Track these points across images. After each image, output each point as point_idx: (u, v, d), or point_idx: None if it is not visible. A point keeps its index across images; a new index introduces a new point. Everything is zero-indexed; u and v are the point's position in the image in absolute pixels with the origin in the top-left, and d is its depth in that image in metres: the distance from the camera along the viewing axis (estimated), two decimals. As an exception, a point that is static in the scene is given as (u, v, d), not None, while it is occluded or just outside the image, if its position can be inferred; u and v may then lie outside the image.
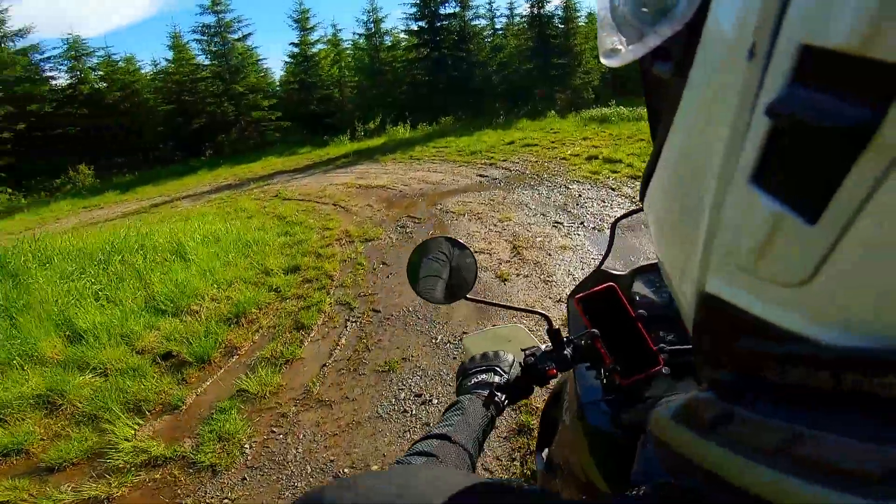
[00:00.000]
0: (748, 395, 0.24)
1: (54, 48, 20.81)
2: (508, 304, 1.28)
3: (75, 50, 19.27)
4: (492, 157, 9.43)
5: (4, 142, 16.96)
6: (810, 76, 0.17)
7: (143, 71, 20.82)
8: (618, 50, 0.28)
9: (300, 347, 3.71)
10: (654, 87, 0.31)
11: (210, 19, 18.68)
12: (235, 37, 19.21)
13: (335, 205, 7.70)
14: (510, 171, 8.21)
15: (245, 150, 18.09)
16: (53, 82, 19.20)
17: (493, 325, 2.99)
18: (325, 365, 3.43)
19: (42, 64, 18.92)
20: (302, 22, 19.44)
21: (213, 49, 19.06)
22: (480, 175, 8.20)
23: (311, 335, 3.89)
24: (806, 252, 0.18)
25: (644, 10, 0.25)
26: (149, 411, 3.14)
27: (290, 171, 12.51)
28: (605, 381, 0.76)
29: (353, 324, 3.95)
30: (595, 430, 0.77)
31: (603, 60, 0.30)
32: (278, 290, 4.72)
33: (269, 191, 9.79)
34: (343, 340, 3.73)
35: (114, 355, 3.77)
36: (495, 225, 5.59)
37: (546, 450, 1.18)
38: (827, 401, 0.20)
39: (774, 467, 0.20)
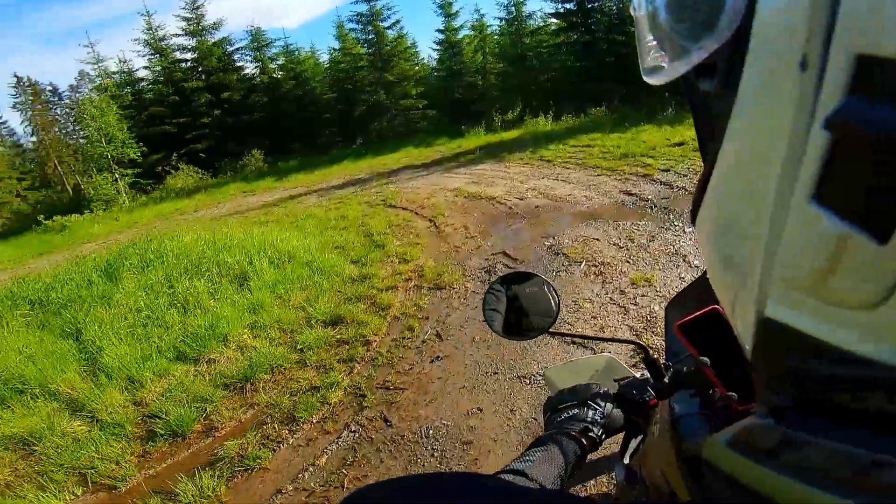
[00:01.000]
0: (813, 421, 0.23)
1: (241, 40, 23.89)
2: (597, 335, 1.20)
3: (257, 41, 21.68)
4: (648, 165, 6.90)
5: (205, 126, 20.00)
6: (869, 86, 0.16)
7: (320, 60, 22.58)
8: (661, 67, 0.28)
9: (272, 453, 2.73)
10: (701, 103, 0.30)
11: (363, 7, 19.07)
12: (386, 24, 19.34)
13: (431, 221, 6.40)
14: (672, 188, 5.73)
15: (390, 139, 18.24)
16: (243, 72, 21.91)
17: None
18: (281, 491, 2.46)
19: (234, 54, 21.69)
20: (446, 7, 18.78)
21: (367, 37, 19.48)
22: (626, 192, 5.94)
23: (296, 436, 2.84)
24: (877, 273, 0.17)
25: (685, 24, 0.25)
26: (92, 483, 2.77)
27: (417, 167, 11.76)
28: (714, 408, 0.67)
29: (351, 434, 2.75)
30: (687, 443, 0.67)
31: (645, 78, 0.30)
32: (303, 351, 3.63)
33: (383, 192, 9.00)
34: (323, 460, 2.60)
35: (110, 402, 3.41)
36: (623, 292, 3.56)
37: (627, 460, 1.07)
38: None
39: (851, 496, 0.19)
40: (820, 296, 0.20)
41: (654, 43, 0.27)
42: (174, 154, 19.10)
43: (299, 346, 3.68)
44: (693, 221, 0.32)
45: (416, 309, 3.95)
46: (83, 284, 5.39)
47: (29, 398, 3.59)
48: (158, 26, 20.41)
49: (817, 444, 0.22)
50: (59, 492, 2.73)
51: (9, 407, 3.52)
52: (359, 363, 3.37)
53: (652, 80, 0.29)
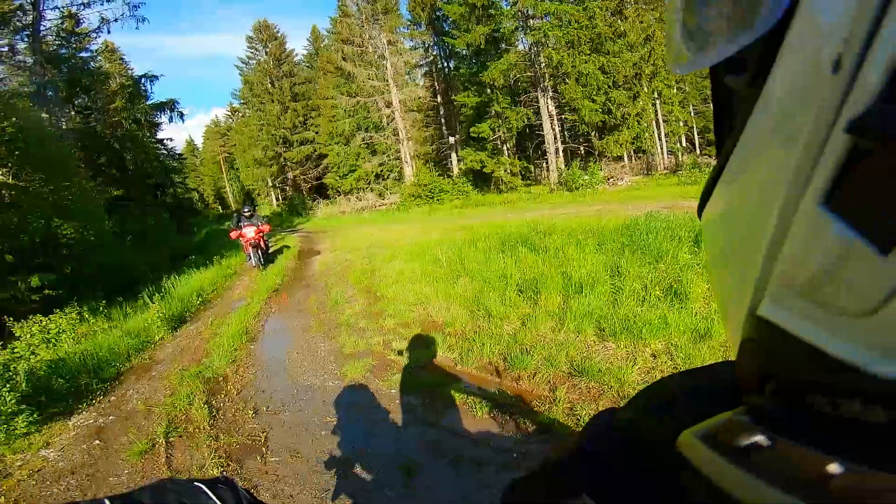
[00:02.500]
0: (788, 423, 0.23)
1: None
2: None
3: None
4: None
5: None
6: None
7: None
8: (689, 57, 0.27)
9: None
10: (725, 97, 0.31)
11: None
12: None
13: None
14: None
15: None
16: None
17: None
18: None
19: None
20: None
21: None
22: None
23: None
24: (875, 282, 0.17)
25: (721, 16, 0.24)
26: None
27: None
28: None
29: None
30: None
31: (672, 68, 0.30)
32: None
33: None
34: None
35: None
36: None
37: None
38: (878, 437, 0.19)
39: (801, 497, 0.20)
40: (815, 299, 0.20)
41: (685, 32, 0.27)
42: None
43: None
44: (699, 213, 0.33)
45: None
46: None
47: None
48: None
49: (790, 447, 0.22)
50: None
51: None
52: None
53: (679, 71, 0.29)
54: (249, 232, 9.55)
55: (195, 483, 0.63)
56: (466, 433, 2.80)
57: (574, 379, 3.23)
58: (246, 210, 10.05)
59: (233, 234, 9.92)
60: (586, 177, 19.37)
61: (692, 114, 28.88)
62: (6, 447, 3.40)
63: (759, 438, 0.23)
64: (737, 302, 0.27)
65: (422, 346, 4.14)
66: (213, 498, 0.61)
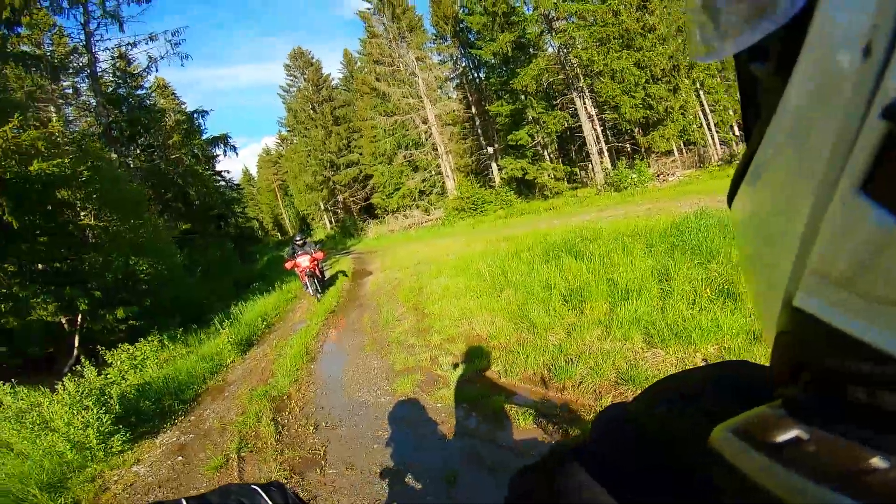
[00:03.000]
0: (826, 416, 0.23)
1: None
2: None
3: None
4: None
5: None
6: None
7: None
8: (712, 46, 0.26)
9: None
10: (751, 85, 0.30)
11: None
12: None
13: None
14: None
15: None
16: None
17: None
18: None
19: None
20: None
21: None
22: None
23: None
24: None
25: (744, 3, 0.23)
26: None
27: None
28: None
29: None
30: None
31: (694, 56, 0.29)
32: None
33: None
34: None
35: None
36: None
37: None
38: None
39: (847, 494, 0.19)
40: (853, 288, 0.20)
41: (708, 19, 0.27)
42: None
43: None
44: (729, 202, 0.32)
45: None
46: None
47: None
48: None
49: (829, 440, 0.22)
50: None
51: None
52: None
53: (702, 59, 0.28)
54: (304, 261, 9.41)
55: (252, 486, 0.78)
56: (508, 443, 2.88)
57: (620, 387, 3.20)
58: (298, 239, 9.94)
59: (287, 265, 9.74)
60: (634, 175, 18.74)
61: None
62: (105, 464, 3.84)
63: (798, 432, 0.23)
64: (771, 294, 0.27)
65: (466, 360, 4.25)
66: (266, 498, 0.77)
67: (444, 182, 26.25)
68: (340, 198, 35.20)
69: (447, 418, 3.35)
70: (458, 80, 27.34)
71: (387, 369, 4.61)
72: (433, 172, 26.60)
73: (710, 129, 22.31)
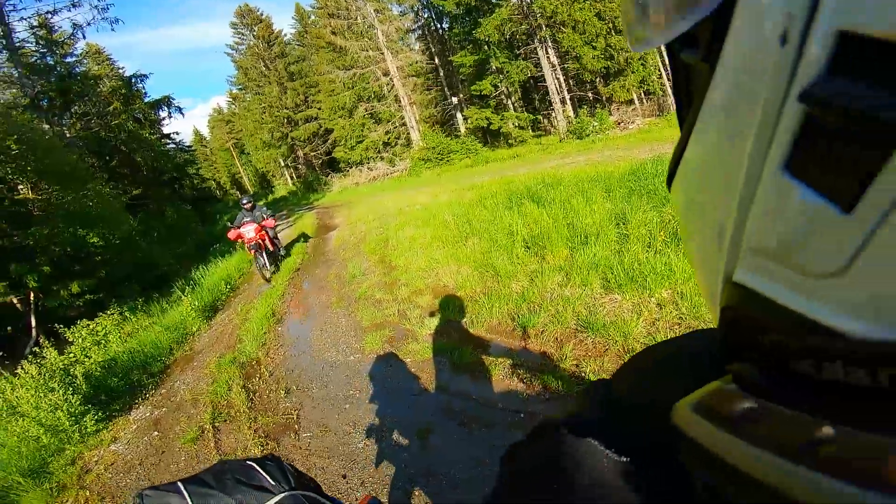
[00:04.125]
0: (775, 390, 0.23)
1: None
2: None
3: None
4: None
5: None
6: (847, 62, 0.16)
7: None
8: (644, 36, 0.28)
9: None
10: (682, 72, 0.31)
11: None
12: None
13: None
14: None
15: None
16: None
17: None
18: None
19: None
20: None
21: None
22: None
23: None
24: (840, 242, 0.18)
25: None
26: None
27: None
28: None
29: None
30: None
31: (631, 47, 0.31)
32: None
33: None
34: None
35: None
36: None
37: None
38: (863, 398, 0.19)
39: (801, 464, 0.19)
40: (787, 262, 0.21)
41: (640, 11, 0.28)
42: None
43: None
44: (669, 185, 0.34)
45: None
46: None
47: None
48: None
49: (777, 411, 0.22)
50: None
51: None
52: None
53: (636, 49, 0.30)
54: (249, 231, 7.70)
55: (247, 462, 0.78)
56: (476, 395, 3.00)
57: (580, 335, 3.35)
58: (245, 202, 8.20)
59: (231, 235, 8.03)
60: (595, 123, 18.85)
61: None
62: (82, 445, 3.81)
63: (750, 405, 0.24)
64: (712, 270, 0.28)
65: (434, 313, 4.33)
66: (263, 473, 0.78)
67: (408, 133, 25.64)
68: (301, 153, 33.94)
69: (418, 373, 3.45)
70: (420, 32, 26.18)
71: (355, 326, 4.66)
72: (397, 124, 25.87)
73: (669, 79, 22.36)
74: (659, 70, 21.33)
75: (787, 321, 0.21)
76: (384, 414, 3.07)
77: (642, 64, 19.75)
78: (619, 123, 19.79)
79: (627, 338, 3.12)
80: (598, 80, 21.61)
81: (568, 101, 21.86)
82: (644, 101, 22.88)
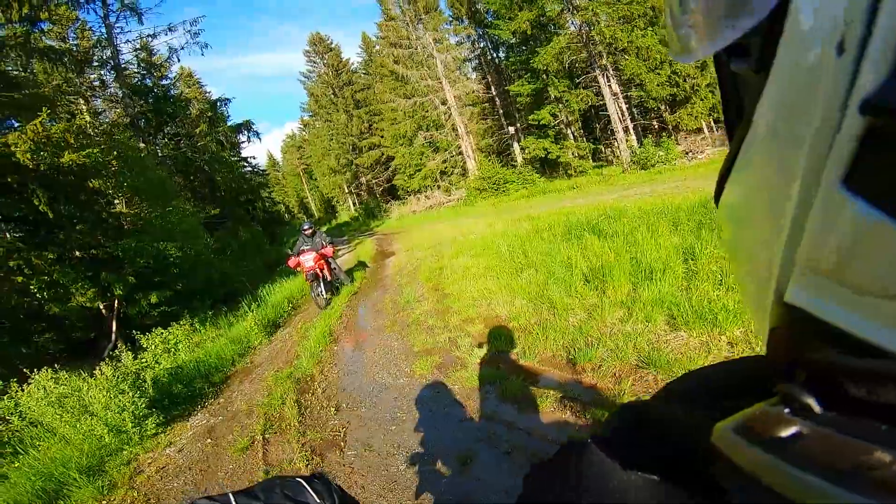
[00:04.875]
0: (825, 412, 0.23)
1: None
2: None
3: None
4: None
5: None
6: None
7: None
8: (690, 47, 0.27)
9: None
10: (731, 83, 0.30)
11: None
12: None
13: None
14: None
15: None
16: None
17: None
18: None
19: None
20: None
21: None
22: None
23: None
24: None
25: (720, 2, 0.24)
26: None
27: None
28: None
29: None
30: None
31: (675, 58, 0.30)
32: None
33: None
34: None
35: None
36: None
37: None
38: None
39: (849, 488, 0.19)
40: (842, 282, 0.20)
41: (686, 21, 0.27)
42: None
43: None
44: (716, 201, 0.32)
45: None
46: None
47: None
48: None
49: (829, 436, 0.21)
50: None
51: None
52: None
53: (681, 60, 0.29)
54: (308, 260, 7.51)
55: (297, 479, 0.80)
56: (523, 425, 2.86)
57: (641, 371, 3.13)
58: (306, 228, 8.05)
59: (291, 263, 7.84)
60: (661, 153, 18.16)
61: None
62: (140, 447, 4.03)
63: (798, 428, 0.23)
64: (762, 290, 0.27)
65: (485, 341, 4.23)
66: (310, 491, 0.77)
67: (465, 162, 26.05)
68: (363, 180, 35.48)
69: (464, 400, 3.36)
70: (476, 61, 26.97)
71: (406, 350, 4.65)
72: (454, 153, 26.42)
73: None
74: (731, 96, 20.38)
75: (840, 342, 0.20)
76: (428, 438, 3.00)
77: (711, 91, 18.98)
78: (686, 153, 18.96)
79: (695, 376, 2.85)
80: (663, 108, 20.98)
81: (631, 130, 21.34)
82: (714, 129, 21.88)
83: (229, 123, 21.38)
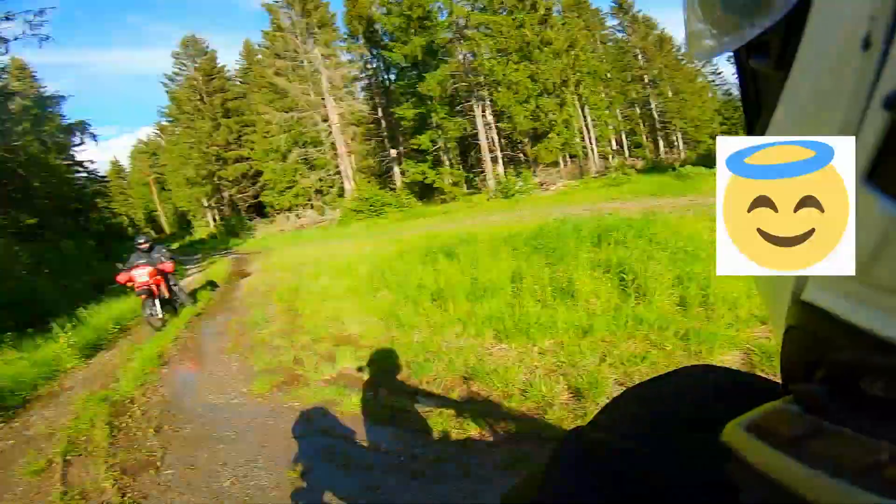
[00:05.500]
0: (842, 411, 0.22)
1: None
2: None
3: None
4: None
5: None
6: None
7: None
8: (710, 44, 0.26)
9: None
10: (750, 81, 0.30)
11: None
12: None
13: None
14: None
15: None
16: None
17: None
18: None
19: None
20: None
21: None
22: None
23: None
24: None
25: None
26: None
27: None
28: None
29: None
30: None
31: (692, 55, 0.29)
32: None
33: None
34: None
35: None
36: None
37: None
38: None
39: (862, 486, 0.18)
40: (864, 280, 0.20)
41: (704, 18, 0.27)
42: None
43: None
44: None
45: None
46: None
47: None
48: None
49: (844, 434, 0.21)
50: None
51: None
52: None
53: (700, 58, 0.28)
54: (142, 275, 6.69)
55: None
56: (359, 439, 3.00)
57: (467, 382, 3.49)
58: (141, 241, 7.19)
59: (120, 278, 6.98)
60: (521, 183, 20.17)
61: (619, 117, 30.63)
62: None
63: (812, 427, 0.23)
64: (779, 288, 0.27)
65: (330, 360, 4.30)
66: None
67: (342, 183, 25.72)
68: (227, 194, 32.66)
69: (302, 416, 3.38)
70: (367, 81, 27.03)
71: (246, 371, 4.49)
72: (331, 172, 25.95)
73: (591, 143, 24.78)
74: (582, 133, 23.44)
75: (860, 340, 0.20)
76: (259, 455, 2.97)
77: (566, 126, 21.61)
78: (542, 184, 21.30)
79: (507, 384, 3.29)
80: (526, 140, 23.32)
81: (500, 160, 23.27)
82: (568, 163, 24.92)
83: (64, 123, 18.47)
